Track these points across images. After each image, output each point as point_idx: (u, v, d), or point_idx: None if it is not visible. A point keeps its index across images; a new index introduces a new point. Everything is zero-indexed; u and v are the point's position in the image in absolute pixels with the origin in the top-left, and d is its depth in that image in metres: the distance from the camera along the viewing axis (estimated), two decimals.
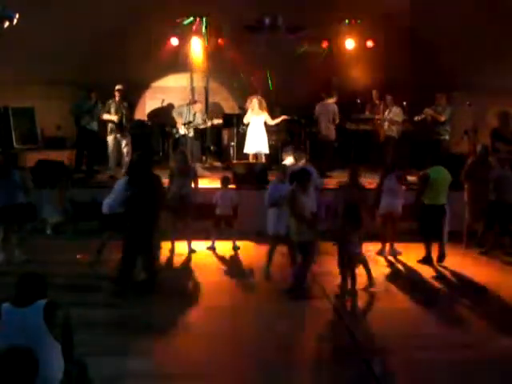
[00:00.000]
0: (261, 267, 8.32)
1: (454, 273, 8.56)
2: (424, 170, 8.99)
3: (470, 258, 9.22)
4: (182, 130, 12.47)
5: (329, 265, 8.16)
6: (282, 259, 8.27)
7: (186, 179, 9.20)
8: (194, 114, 12.59)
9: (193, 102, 12.87)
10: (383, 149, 12.63)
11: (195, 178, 9.33)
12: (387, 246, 9.25)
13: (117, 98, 11.39)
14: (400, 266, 8.89)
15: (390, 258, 9.16)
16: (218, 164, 13.78)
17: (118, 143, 11.64)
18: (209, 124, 13.00)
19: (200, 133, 13.25)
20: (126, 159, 11.39)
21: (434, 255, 8.81)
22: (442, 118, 11.88)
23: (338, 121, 12.59)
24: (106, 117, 11.60)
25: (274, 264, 8.26)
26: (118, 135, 11.49)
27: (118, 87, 11.36)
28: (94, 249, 8.44)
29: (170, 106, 13.83)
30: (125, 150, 11.59)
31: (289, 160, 10.00)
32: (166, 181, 9.49)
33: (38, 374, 3.45)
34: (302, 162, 9.22)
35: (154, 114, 14.29)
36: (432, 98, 12.25)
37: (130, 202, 7.43)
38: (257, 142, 12.09)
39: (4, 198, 8.37)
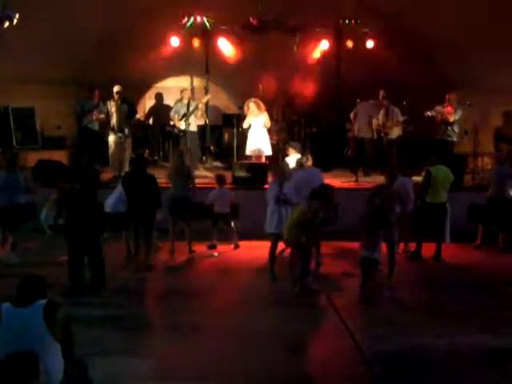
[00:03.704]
0: (261, 267, 8.30)
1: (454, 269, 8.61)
2: (426, 168, 9.04)
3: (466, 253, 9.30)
4: (183, 126, 12.34)
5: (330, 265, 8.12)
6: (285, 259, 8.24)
7: (183, 179, 9.21)
8: (188, 104, 12.48)
9: (183, 92, 12.75)
10: (386, 150, 12.59)
11: (191, 178, 9.33)
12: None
13: (116, 100, 11.36)
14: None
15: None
16: (218, 164, 13.76)
17: (118, 143, 11.62)
18: (200, 106, 12.79)
19: (200, 132, 13.22)
20: (126, 160, 11.36)
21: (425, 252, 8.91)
22: (451, 119, 11.71)
23: (376, 120, 12.58)
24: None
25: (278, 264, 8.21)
26: (119, 135, 11.46)
27: (117, 90, 11.28)
28: None
29: (168, 106, 13.80)
30: (125, 151, 11.57)
31: (293, 156, 9.78)
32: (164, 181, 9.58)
33: (38, 378, 3.45)
34: (308, 164, 9.12)
35: (151, 113, 14.25)
36: (432, 97, 12.21)
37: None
38: (258, 144, 11.96)
39: (4, 199, 8.44)
